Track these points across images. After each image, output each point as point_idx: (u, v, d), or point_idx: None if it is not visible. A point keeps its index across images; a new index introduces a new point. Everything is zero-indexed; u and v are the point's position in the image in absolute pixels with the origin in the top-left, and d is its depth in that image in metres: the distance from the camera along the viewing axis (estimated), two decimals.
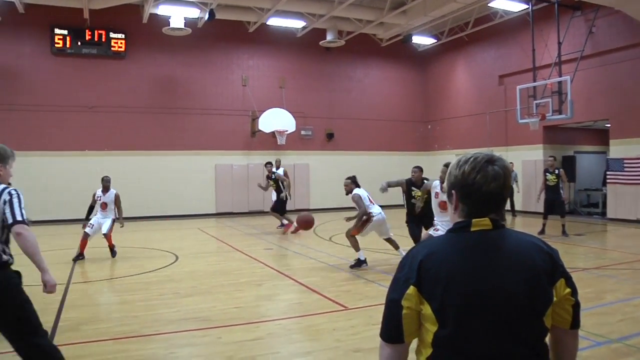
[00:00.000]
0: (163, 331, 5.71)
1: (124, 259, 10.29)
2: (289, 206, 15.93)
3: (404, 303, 1.68)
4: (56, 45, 17.88)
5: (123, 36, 18.58)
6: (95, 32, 18.23)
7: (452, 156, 21.72)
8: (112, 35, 18.46)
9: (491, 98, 19.95)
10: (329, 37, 19.42)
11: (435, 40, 21.61)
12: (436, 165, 21.77)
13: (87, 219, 10.33)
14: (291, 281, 8.06)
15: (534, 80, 16.60)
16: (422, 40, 21.71)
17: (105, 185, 10.55)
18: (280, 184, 14.92)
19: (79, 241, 10.23)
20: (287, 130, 19.39)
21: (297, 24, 19.53)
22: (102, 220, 10.35)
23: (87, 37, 18.17)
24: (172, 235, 14.25)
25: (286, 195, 14.98)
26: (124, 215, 10.83)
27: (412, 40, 20.79)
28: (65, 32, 17.94)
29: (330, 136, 21.75)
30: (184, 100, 19.53)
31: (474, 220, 1.72)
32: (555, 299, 1.69)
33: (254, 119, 20.03)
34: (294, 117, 19.60)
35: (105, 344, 5.25)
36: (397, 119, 23.00)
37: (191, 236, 13.61)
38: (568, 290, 1.72)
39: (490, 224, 1.72)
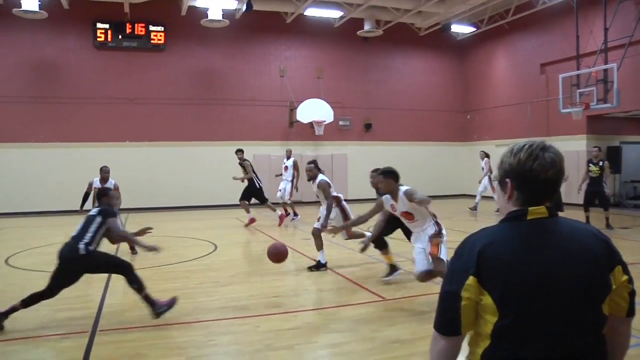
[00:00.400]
0: (202, 319, 5.82)
1: (164, 249, 10.45)
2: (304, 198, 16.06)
3: (463, 294, 1.65)
4: (98, 39, 18.30)
5: (162, 29, 18.86)
6: (136, 25, 18.56)
7: (492, 146, 21.34)
8: (151, 28, 18.76)
9: (532, 87, 19.50)
10: (366, 26, 19.28)
11: (475, 29, 21.23)
12: (475, 156, 21.52)
13: (82, 208, 9.87)
14: (329, 271, 8.09)
15: (578, 69, 16.16)
16: (461, 29, 21.36)
17: (104, 176, 10.11)
18: (250, 172, 14.21)
19: None
20: (325, 121, 19.39)
21: (334, 14, 19.46)
22: None
23: (128, 31, 18.52)
24: (210, 225, 14.44)
25: (296, 187, 15.31)
26: (131, 207, 10.22)
27: (450, 29, 20.47)
28: (106, 26, 18.33)
29: (368, 126, 21.65)
30: (222, 91, 19.72)
31: (530, 208, 1.71)
32: (613, 286, 1.67)
33: (292, 110, 20.08)
34: (331, 107, 19.58)
35: (147, 331, 5.38)
36: (435, 109, 22.73)
37: (229, 226, 13.76)
38: (625, 277, 1.70)
39: (547, 212, 1.71)
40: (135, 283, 5.52)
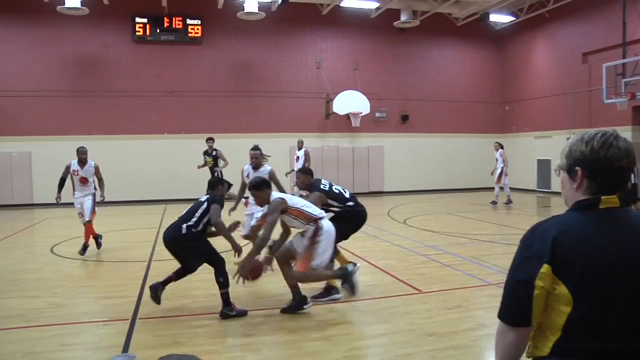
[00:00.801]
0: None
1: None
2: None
3: (537, 283, 1.60)
4: (137, 33, 18.62)
5: (199, 22, 19.06)
6: (173, 19, 18.82)
7: (531, 138, 21.00)
8: (189, 21, 18.98)
9: (573, 77, 18.99)
10: (403, 17, 19.08)
11: (514, 18, 20.79)
12: (514, 148, 21.19)
13: (59, 193, 9.29)
14: (365, 263, 8.08)
15: (624, 57, 15.68)
16: (500, 19, 20.92)
17: (82, 158, 9.28)
18: (220, 162, 14.10)
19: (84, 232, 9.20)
20: (361, 113, 19.34)
21: (370, 4, 19.32)
22: (82, 200, 9.22)
23: (166, 24, 18.79)
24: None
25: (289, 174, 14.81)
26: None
27: (489, 18, 20.06)
28: (145, 20, 18.64)
29: (405, 118, 21.48)
30: (258, 83, 19.83)
31: (603, 197, 1.67)
32: None
33: (328, 102, 20.08)
34: (368, 99, 19.50)
35: (185, 319, 5.48)
36: (473, 100, 22.39)
37: None
38: None
39: (618, 202, 1.67)
40: (223, 277, 5.59)
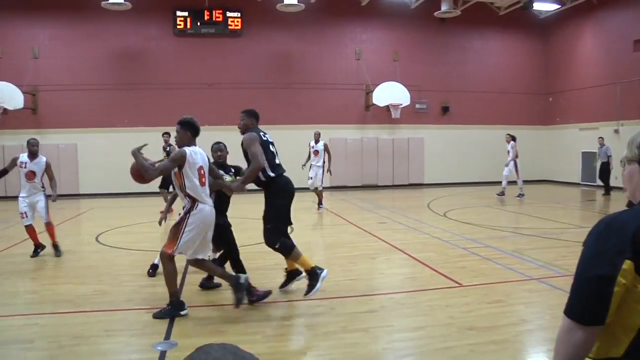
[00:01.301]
0: (279, 299, 5.95)
1: (242, 230, 10.70)
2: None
3: (619, 279, 1.47)
4: (178, 26, 18.93)
5: (239, 15, 19.22)
6: (213, 12, 19.04)
7: (575, 130, 20.45)
8: (229, 14, 19.16)
9: (623, 66, 18.32)
10: (444, 7, 18.77)
11: (559, 6, 20.19)
12: (558, 140, 20.68)
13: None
14: (405, 255, 8.04)
15: None
16: (544, 7, 20.37)
17: (32, 150, 8.36)
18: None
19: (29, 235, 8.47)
20: (401, 104, 19.20)
21: None
22: (32, 200, 8.36)
23: (206, 18, 19.02)
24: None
25: (330, 171, 14.25)
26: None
27: (532, 7, 19.53)
28: (185, 13, 18.93)
29: (445, 109, 21.21)
30: (298, 75, 19.88)
31: None
32: None
33: (368, 93, 19.99)
34: (408, 90, 19.33)
35: (225, 309, 5.56)
36: (515, 91, 21.90)
37: (305, 209, 13.92)
38: None
39: None
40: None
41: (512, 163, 16.09)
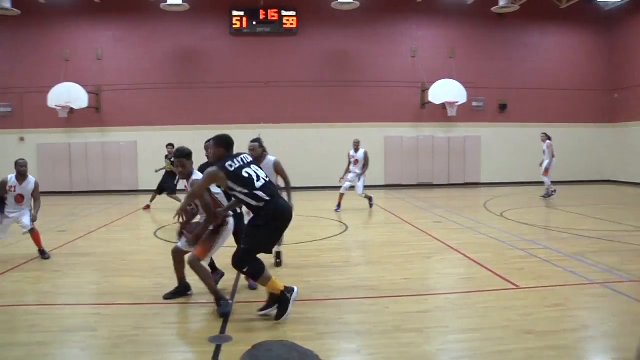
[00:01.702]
0: (333, 297, 5.96)
1: (297, 227, 10.78)
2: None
3: None
4: (234, 26, 19.28)
5: (294, 13, 19.37)
6: (269, 11, 19.29)
7: None
8: (284, 13, 19.35)
9: None
10: (501, 2, 18.28)
11: None
12: (622, 139, 19.86)
13: (3, 212, 7.95)
14: (460, 256, 7.91)
15: None
16: None
17: (21, 170, 7.97)
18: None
19: None
20: (457, 102, 18.87)
21: None
22: (17, 216, 8.02)
23: (261, 17, 19.29)
24: (342, 206, 14.61)
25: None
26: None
27: None
28: (241, 13, 19.26)
29: (503, 107, 20.71)
30: (353, 73, 19.86)
31: None
32: None
33: (424, 91, 19.76)
34: (464, 87, 18.98)
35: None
36: (577, 88, 21.11)
37: (360, 207, 13.89)
38: None
39: None
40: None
41: (546, 162, 15.58)
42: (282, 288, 5.09)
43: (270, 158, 7.11)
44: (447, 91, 18.90)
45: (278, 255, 7.19)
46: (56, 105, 17.70)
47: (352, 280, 6.62)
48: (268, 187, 5.12)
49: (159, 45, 19.25)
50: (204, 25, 19.38)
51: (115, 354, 4.34)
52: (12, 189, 7.91)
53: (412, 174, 20.13)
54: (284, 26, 19.40)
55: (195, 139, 18.75)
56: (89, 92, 18.34)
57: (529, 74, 20.77)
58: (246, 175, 5.04)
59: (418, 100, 20.24)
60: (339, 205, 13.40)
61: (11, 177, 7.95)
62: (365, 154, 13.50)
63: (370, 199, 13.66)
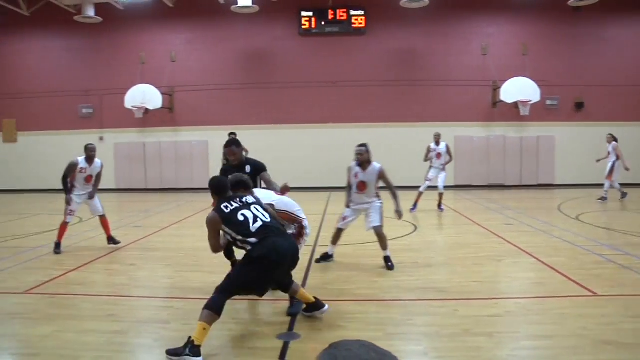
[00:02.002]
0: (401, 298, 5.92)
1: (361, 227, 10.76)
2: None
3: None
4: (303, 26, 19.49)
5: (363, 13, 19.36)
6: (337, 11, 19.38)
7: None
8: (352, 12, 19.37)
9: None
10: None
11: None
12: None
13: (69, 193, 8.63)
14: (533, 259, 7.64)
15: None
16: None
17: (91, 155, 8.75)
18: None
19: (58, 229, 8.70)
20: (530, 100, 18.26)
21: None
22: (85, 198, 8.82)
23: (330, 17, 19.41)
24: (409, 206, 14.46)
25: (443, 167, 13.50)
26: None
27: None
28: (310, 13, 19.44)
29: (579, 105, 19.86)
30: (422, 72, 19.62)
31: None
32: None
33: (495, 89, 19.26)
34: (538, 85, 18.34)
35: (346, 304, 5.61)
36: None
37: (430, 207, 13.68)
38: None
39: None
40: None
41: (610, 164, 14.82)
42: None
43: (376, 165, 7.29)
44: (519, 89, 18.33)
45: (387, 259, 7.22)
46: (132, 106, 18.47)
47: (421, 281, 6.54)
48: (267, 226, 4.68)
49: (230, 47, 19.72)
50: (273, 26, 19.67)
51: None
52: (83, 171, 8.65)
53: (483, 175, 19.68)
54: (353, 26, 19.42)
55: (265, 138, 19.26)
56: (162, 93, 19.03)
57: (608, 71, 19.76)
58: (245, 215, 4.71)
59: (489, 99, 19.75)
60: (415, 205, 13.28)
61: (81, 160, 8.67)
62: (447, 147, 13.44)
63: (440, 196, 13.48)
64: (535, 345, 4.53)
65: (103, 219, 8.90)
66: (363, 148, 7.31)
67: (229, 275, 4.70)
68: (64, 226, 8.59)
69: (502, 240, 9.21)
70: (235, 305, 5.59)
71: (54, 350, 4.44)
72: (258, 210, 4.81)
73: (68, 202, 8.54)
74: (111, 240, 8.86)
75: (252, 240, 4.57)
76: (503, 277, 7.02)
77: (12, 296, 6.07)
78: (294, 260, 4.81)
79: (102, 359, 4.32)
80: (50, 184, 20.08)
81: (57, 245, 8.45)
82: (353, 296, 5.88)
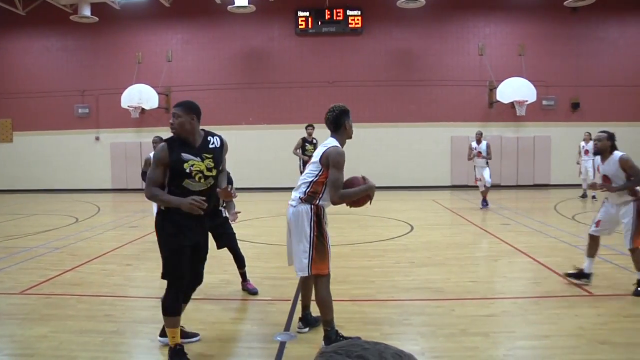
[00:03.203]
0: (397, 298, 5.92)
1: (362, 227, 10.80)
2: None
3: None
4: (299, 26, 19.46)
5: (359, 13, 19.35)
6: (334, 11, 19.35)
7: None
8: (349, 12, 19.37)
9: None
10: None
11: None
12: None
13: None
14: (529, 259, 7.67)
15: None
16: None
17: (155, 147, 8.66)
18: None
19: None
20: (527, 101, 18.27)
21: None
22: None
23: (327, 17, 19.39)
24: (406, 206, 14.52)
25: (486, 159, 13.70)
26: None
27: None
28: (307, 13, 19.42)
29: (575, 106, 19.89)
30: (419, 72, 19.63)
31: None
32: None
33: (492, 89, 19.29)
34: (534, 85, 18.35)
35: (344, 304, 5.59)
36: None
37: (426, 207, 13.73)
38: None
39: None
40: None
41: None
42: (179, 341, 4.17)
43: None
44: (516, 90, 18.33)
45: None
46: (129, 106, 18.42)
47: (417, 281, 6.55)
48: None
49: (226, 47, 19.70)
50: (270, 26, 19.66)
51: None
52: None
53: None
54: (349, 26, 19.40)
55: (261, 138, 19.27)
56: (159, 93, 18.98)
57: (605, 71, 19.80)
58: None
59: (485, 99, 19.77)
60: (484, 201, 13.71)
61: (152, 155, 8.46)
62: (488, 145, 13.68)
63: (484, 197, 13.78)
64: (531, 345, 4.54)
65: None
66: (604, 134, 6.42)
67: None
68: None
69: (498, 240, 9.23)
70: (231, 306, 5.59)
71: (50, 351, 4.43)
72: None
73: None
74: None
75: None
76: (499, 277, 7.03)
77: (7, 297, 6.06)
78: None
79: (99, 359, 4.31)
80: (46, 184, 20.12)
81: None
82: (350, 296, 5.88)
